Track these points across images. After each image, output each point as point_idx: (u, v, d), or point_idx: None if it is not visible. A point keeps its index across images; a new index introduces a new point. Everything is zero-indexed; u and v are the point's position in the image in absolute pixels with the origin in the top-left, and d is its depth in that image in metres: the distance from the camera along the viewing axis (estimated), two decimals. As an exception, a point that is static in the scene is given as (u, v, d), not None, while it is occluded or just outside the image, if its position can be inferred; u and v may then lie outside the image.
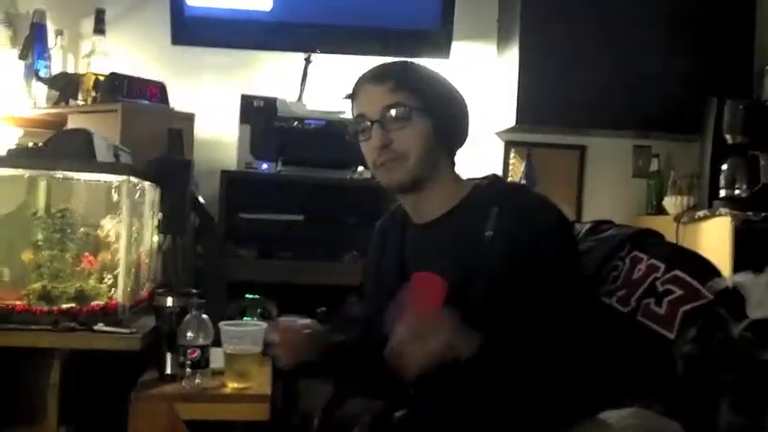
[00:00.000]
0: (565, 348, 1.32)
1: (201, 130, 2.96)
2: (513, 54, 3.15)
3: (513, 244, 1.36)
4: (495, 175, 1.55)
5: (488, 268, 1.37)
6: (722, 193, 2.85)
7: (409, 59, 1.53)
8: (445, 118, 1.47)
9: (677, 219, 2.97)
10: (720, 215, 2.71)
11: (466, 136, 1.54)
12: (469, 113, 1.53)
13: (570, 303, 1.37)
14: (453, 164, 1.53)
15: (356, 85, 1.50)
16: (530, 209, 1.42)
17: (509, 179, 3.34)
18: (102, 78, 2.77)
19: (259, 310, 2.60)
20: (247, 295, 2.65)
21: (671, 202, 3.07)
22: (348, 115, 2.82)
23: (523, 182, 3.21)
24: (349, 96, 1.51)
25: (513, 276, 1.35)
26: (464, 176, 1.55)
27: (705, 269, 1.53)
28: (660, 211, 3.22)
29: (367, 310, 1.67)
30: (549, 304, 1.35)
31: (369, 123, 1.45)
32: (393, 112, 1.43)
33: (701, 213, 2.84)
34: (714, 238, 2.72)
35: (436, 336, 1.26)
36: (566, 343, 1.33)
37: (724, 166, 2.86)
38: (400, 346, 1.26)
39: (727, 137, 2.87)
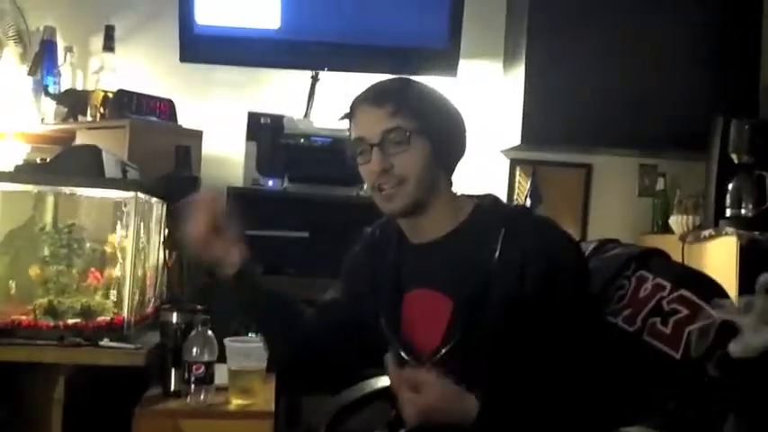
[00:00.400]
0: (582, 386, 1.34)
1: (209, 147, 2.98)
2: (518, 72, 3.17)
3: (522, 267, 1.36)
4: (494, 196, 1.54)
5: (496, 289, 1.37)
6: (728, 212, 2.84)
7: (406, 77, 1.52)
8: (444, 138, 1.46)
9: (683, 238, 2.96)
10: (726, 235, 2.70)
11: (464, 151, 1.53)
12: (467, 128, 1.52)
13: (586, 336, 1.38)
14: (451, 182, 1.52)
15: (354, 105, 1.48)
16: (539, 233, 1.42)
17: (514, 198, 3.34)
18: (110, 95, 2.79)
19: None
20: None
21: (676, 222, 3.07)
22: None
23: (528, 200, 3.22)
24: (346, 116, 1.50)
25: (524, 299, 1.35)
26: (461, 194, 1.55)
27: (711, 289, 1.52)
28: (666, 230, 3.21)
29: (332, 300, 1.65)
30: (565, 339, 1.36)
31: (368, 147, 1.43)
32: (393, 136, 1.41)
33: (706, 233, 2.83)
34: (720, 258, 2.71)
35: (427, 397, 1.27)
36: (582, 379, 1.34)
37: (730, 186, 2.86)
38: (398, 392, 1.28)
39: (734, 156, 2.87)
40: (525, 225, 1.43)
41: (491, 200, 1.53)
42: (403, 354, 1.45)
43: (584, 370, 1.35)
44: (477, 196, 1.53)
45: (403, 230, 1.53)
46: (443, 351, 1.40)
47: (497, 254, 1.38)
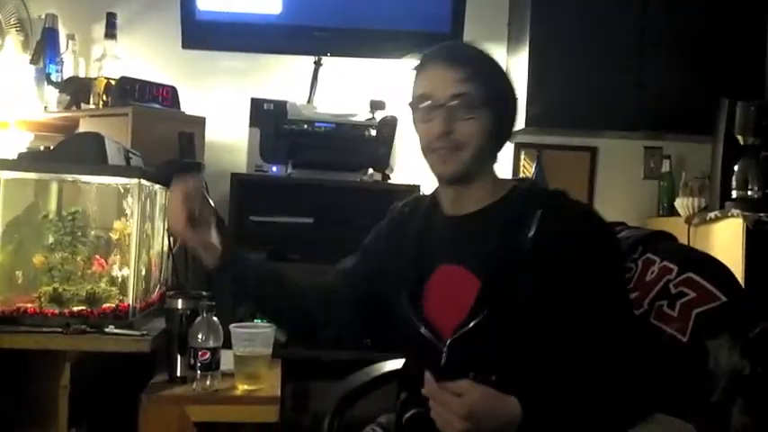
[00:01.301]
0: (613, 376, 1.33)
1: (212, 134, 2.97)
2: (522, 56, 3.15)
3: (557, 251, 1.34)
4: (531, 179, 1.55)
5: (527, 271, 1.34)
6: (734, 194, 2.84)
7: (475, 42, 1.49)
8: (506, 115, 1.45)
9: (688, 220, 2.95)
10: (732, 216, 2.69)
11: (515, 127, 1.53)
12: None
13: (620, 322, 1.37)
14: (497, 158, 1.50)
15: (427, 58, 1.45)
16: (577, 217, 1.41)
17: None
18: (113, 82, 2.78)
19: (269, 313, 2.59)
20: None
21: (682, 204, 3.06)
22: (358, 119, 2.86)
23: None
24: (417, 69, 1.46)
25: (555, 284, 1.33)
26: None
27: (718, 272, 1.52)
28: (671, 212, 3.20)
29: (351, 267, 1.63)
30: (598, 326, 1.35)
31: (433, 106, 1.40)
32: (461, 101, 1.38)
33: (712, 215, 2.82)
34: (726, 240, 2.70)
35: (469, 402, 1.22)
36: (613, 368, 1.33)
37: (736, 168, 2.85)
38: (436, 403, 1.25)
39: (739, 138, 2.86)
40: (563, 208, 1.41)
41: (529, 182, 1.52)
42: (423, 330, 1.42)
43: (615, 358, 1.33)
44: (516, 179, 1.54)
45: (438, 202, 1.52)
46: (464, 330, 1.37)
47: (532, 235, 1.36)
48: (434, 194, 1.54)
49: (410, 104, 1.46)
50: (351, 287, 1.59)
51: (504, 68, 1.50)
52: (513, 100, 1.48)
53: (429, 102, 1.41)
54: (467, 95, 1.38)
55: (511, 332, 1.35)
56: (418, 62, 1.47)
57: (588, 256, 1.36)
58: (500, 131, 1.44)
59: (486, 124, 1.40)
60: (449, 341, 1.38)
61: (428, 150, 1.44)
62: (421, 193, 1.60)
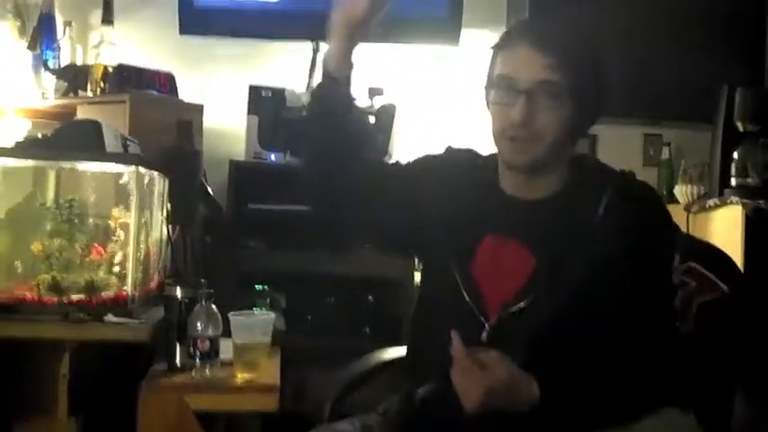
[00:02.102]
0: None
1: (210, 121, 2.96)
2: (522, 42, 3.13)
3: (624, 235, 1.28)
4: (595, 158, 1.49)
5: (591, 254, 1.28)
6: (733, 181, 2.83)
7: (571, 17, 1.41)
8: (593, 102, 1.34)
9: (688, 208, 2.95)
10: (731, 204, 2.69)
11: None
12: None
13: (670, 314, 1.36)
14: (575, 145, 1.40)
15: (513, 36, 1.34)
16: (646, 202, 1.36)
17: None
18: (110, 69, 2.77)
19: (268, 301, 2.60)
20: (256, 286, 2.66)
21: (681, 191, 3.05)
22: (359, 104, 2.84)
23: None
24: (497, 47, 1.36)
25: (617, 264, 1.28)
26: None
27: (720, 261, 1.52)
28: (671, 200, 3.19)
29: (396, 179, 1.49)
30: (654, 316, 1.32)
31: (514, 91, 1.30)
32: (547, 89, 1.28)
33: (711, 202, 2.82)
34: (725, 228, 2.70)
35: (495, 376, 1.19)
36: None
37: (735, 155, 2.84)
38: (460, 371, 1.21)
39: (739, 125, 2.85)
40: (632, 192, 1.35)
41: (591, 162, 1.44)
42: (469, 301, 1.34)
43: (648, 350, 1.30)
44: (577, 157, 1.42)
45: (496, 171, 1.42)
46: (515, 308, 1.31)
47: (599, 218, 1.30)
48: (489, 160, 1.44)
49: (486, 85, 1.37)
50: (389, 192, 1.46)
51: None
52: (602, 84, 1.36)
53: (510, 85, 1.30)
54: (553, 84, 1.28)
55: (560, 316, 1.28)
56: (500, 38, 1.36)
57: (653, 243, 1.32)
58: (584, 121, 1.36)
59: (569, 115, 1.30)
60: (495, 319, 1.32)
61: (501, 136, 1.34)
62: (463, 149, 1.48)
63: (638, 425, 1.26)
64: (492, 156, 1.45)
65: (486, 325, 1.32)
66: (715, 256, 1.54)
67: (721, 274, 1.49)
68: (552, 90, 1.28)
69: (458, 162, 1.48)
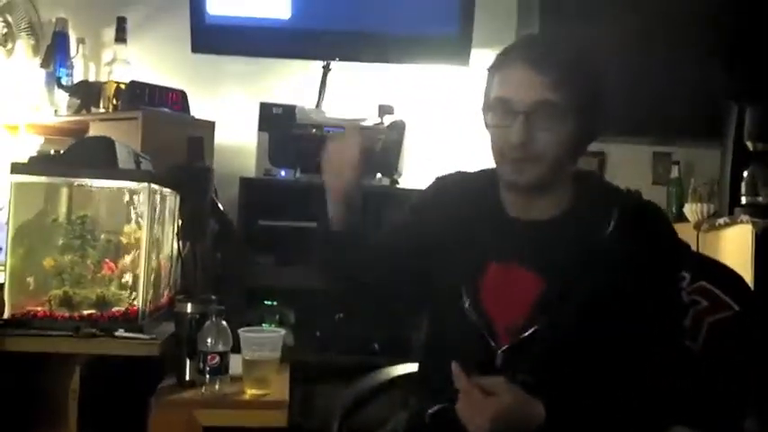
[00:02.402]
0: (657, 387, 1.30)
1: (221, 138, 2.98)
2: (531, 61, 3.14)
3: (631, 256, 1.28)
4: (597, 175, 1.48)
5: (599, 275, 1.28)
6: (743, 200, 2.83)
7: (570, 36, 1.40)
8: (596, 120, 1.33)
9: (697, 226, 2.94)
10: (741, 222, 2.68)
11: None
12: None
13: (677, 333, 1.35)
14: (576, 163, 1.39)
15: (508, 57, 1.32)
16: (653, 222, 1.35)
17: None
18: (123, 86, 2.79)
19: (277, 317, 2.61)
20: (265, 301, 2.66)
21: (691, 210, 3.05)
22: (366, 123, 2.86)
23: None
24: (493, 69, 1.34)
25: (626, 290, 1.28)
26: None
27: (731, 280, 1.51)
28: (680, 218, 3.19)
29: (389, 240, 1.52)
30: (662, 336, 1.32)
31: (512, 113, 1.28)
32: (544, 110, 1.26)
33: (721, 221, 2.81)
34: (735, 246, 2.69)
35: (500, 402, 1.20)
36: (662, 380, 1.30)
37: (745, 173, 2.84)
38: (466, 399, 1.21)
39: (749, 143, 2.85)
40: (637, 208, 1.34)
41: (596, 178, 1.43)
42: (480, 328, 1.33)
43: (669, 369, 1.30)
44: (578, 174, 1.40)
45: (498, 193, 1.41)
46: (526, 333, 1.30)
47: (607, 239, 1.29)
48: (483, 179, 1.44)
49: (483, 107, 1.35)
50: (402, 255, 1.48)
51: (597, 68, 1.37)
52: (603, 106, 1.35)
53: (508, 106, 1.29)
54: (551, 104, 1.26)
55: (572, 339, 1.28)
56: (496, 59, 1.34)
57: (662, 263, 1.31)
58: (585, 140, 1.35)
59: (569, 133, 1.29)
60: (506, 346, 1.32)
61: (501, 158, 1.33)
62: (469, 172, 1.47)
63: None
64: (485, 172, 1.44)
65: (499, 351, 1.32)
66: (726, 276, 1.53)
67: (732, 293, 1.48)
68: (551, 110, 1.27)
69: (451, 191, 1.48)
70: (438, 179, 1.52)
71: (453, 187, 1.49)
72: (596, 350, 1.28)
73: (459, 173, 1.51)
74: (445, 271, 1.41)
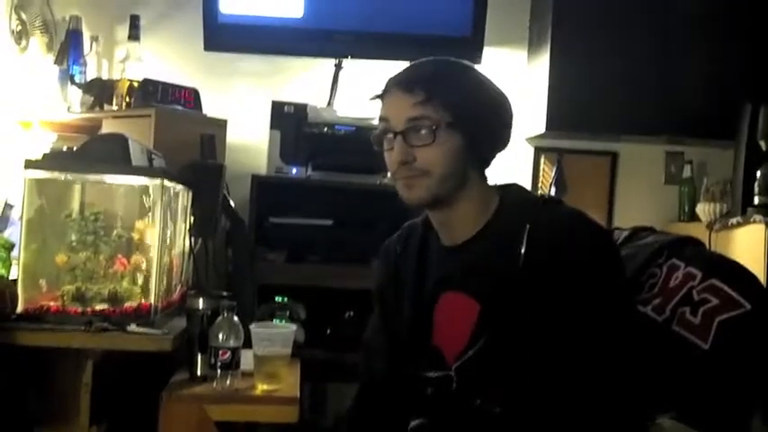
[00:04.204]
0: (614, 383, 1.31)
1: (233, 136, 2.99)
2: (543, 60, 3.14)
3: (550, 266, 1.29)
4: (517, 186, 1.47)
5: (525, 291, 1.30)
6: (756, 200, 2.81)
7: (448, 59, 1.41)
8: (480, 132, 1.36)
9: (710, 226, 2.93)
10: (754, 222, 2.67)
11: (504, 143, 1.44)
12: (512, 117, 1.43)
13: (621, 332, 1.34)
14: (485, 176, 1.43)
15: (386, 85, 1.39)
16: (566, 228, 1.34)
17: (539, 186, 3.33)
18: (136, 84, 2.80)
19: (287, 313, 2.61)
20: (276, 298, 2.67)
21: (703, 209, 3.04)
22: (377, 123, 2.86)
23: (553, 189, 3.20)
24: (377, 97, 1.40)
25: (554, 299, 1.29)
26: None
27: (743, 279, 1.50)
28: (693, 218, 3.18)
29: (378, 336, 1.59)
30: (600, 338, 1.31)
31: (392, 135, 1.35)
32: (418, 127, 1.32)
33: (734, 221, 2.80)
34: (747, 246, 2.68)
35: None
36: (616, 376, 1.31)
37: (758, 173, 2.82)
38: None
39: (762, 143, 2.84)
40: (551, 220, 1.34)
41: (515, 192, 1.45)
42: (431, 358, 1.41)
43: (617, 365, 1.31)
44: (501, 187, 1.45)
45: (431, 229, 1.46)
46: (467, 356, 1.36)
47: (524, 252, 1.31)
48: (426, 222, 1.49)
49: (374, 135, 1.41)
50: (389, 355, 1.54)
51: (476, 79, 1.41)
52: (490, 111, 1.39)
53: (388, 129, 1.35)
54: (423, 119, 1.31)
55: (514, 355, 1.32)
56: (380, 92, 1.40)
57: (582, 264, 1.31)
58: (476, 151, 1.37)
59: (451, 147, 1.33)
60: (453, 367, 1.38)
61: (394, 179, 1.38)
62: (411, 222, 1.54)
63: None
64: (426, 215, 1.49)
65: (453, 377, 1.38)
66: (737, 273, 1.51)
67: (744, 291, 1.47)
68: (425, 127, 1.31)
69: (391, 249, 1.54)
70: (382, 247, 1.58)
71: (393, 244, 1.55)
72: (541, 366, 1.30)
73: (403, 227, 1.57)
74: (400, 320, 1.47)
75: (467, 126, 1.34)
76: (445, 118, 1.32)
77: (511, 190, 1.45)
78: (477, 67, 1.46)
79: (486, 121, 1.37)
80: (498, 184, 1.46)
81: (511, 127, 1.44)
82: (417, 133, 1.32)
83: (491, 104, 1.40)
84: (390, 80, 1.38)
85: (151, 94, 2.72)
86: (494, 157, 1.43)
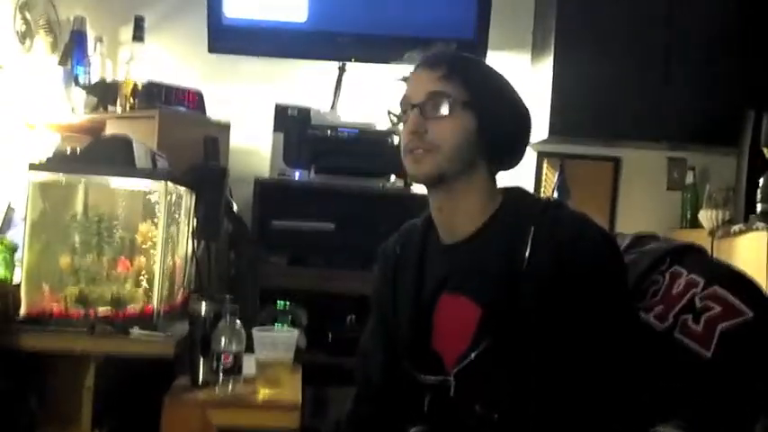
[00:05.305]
0: (616, 389, 1.31)
1: (236, 138, 2.99)
2: (547, 65, 3.14)
3: (554, 268, 1.29)
4: (521, 189, 1.46)
5: (527, 294, 1.30)
6: (759, 207, 2.81)
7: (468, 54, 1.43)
8: (493, 117, 1.36)
9: (712, 233, 2.93)
10: (756, 230, 2.67)
11: (518, 149, 1.44)
12: (528, 121, 1.43)
13: (623, 337, 1.34)
14: (494, 177, 1.42)
15: (414, 68, 1.42)
16: (571, 230, 1.34)
17: (542, 191, 3.33)
18: (140, 86, 2.80)
19: (289, 317, 2.61)
20: (278, 302, 2.67)
21: (706, 216, 3.03)
22: (380, 126, 2.86)
23: (556, 194, 3.19)
24: (404, 79, 1.42)
25: (557, 303, 1.29)
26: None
27: (746, 286, 1.50)
28: (695, 224, 3.18)
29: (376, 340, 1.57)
30: (602, 342, 1.31)
31: (410, 107, 1.37)
32: (436, 100, 1.34)
33: (736, 228, 2.80)
34: (750, 254, 2.68)
35: None
36: (617, 381, 1.31)
37: (761, 180, 2.82)
38: None
39: (765, 150, 2.83)
40: (556, 222, 1.34)
41: (518, 193, 1.44)
42: (430, 363, 1.41)
43: (619, 372, 1.32)
44: (505, 189, 1.44)
45: (432, 228, 1.46)
46: (467, 361, 1.35)
47: (527, 255, 1.31)
48: (427, 221, 1.48)
49: (397, 116, 1.44)
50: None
51: (496, 72, 1.43)
52: (506, 103, 1.40)
53: (407, 104, 1.38)
54: (442, 94, 1.34)
55: (515, 360, 1.31)
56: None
57: (586, 268, 1.31)
58: (487, 135, 1.37)
59: (464, 125, 1.35)
60: (453, 372, 1.37)
61: (405, 152, 1.38)
62: (410, 222, 1.54)
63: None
64: (424, 215, 1.49)
65: (451, 379, 1.38)
66: (740, 281, 1.51)
67: (746, 298, 1.47)
68: (442, 100, 1.34)
69: (394, 247, 1.53)
70: (380, 248, 1.58)
71: (392, 245, 1.54)
72: (543, 370, 1.30)
73: (402, 227, 1.56)
74: (406, 315, 1.46)
75: (483, 108, 1.36)
76: (463, 96, 1.34)
77: (514, 191, 1.45)
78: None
79: (501, 108, 1.39)
80: (502, 187, 1.45)
81: (527, 133, 1.44)
82: (434, 106, 1.34)
83: (508, 96, 1.42)
84: (417, 63, 1.41)
85: (155, 95, 2.73)
86: (504, 152, 1.42)
